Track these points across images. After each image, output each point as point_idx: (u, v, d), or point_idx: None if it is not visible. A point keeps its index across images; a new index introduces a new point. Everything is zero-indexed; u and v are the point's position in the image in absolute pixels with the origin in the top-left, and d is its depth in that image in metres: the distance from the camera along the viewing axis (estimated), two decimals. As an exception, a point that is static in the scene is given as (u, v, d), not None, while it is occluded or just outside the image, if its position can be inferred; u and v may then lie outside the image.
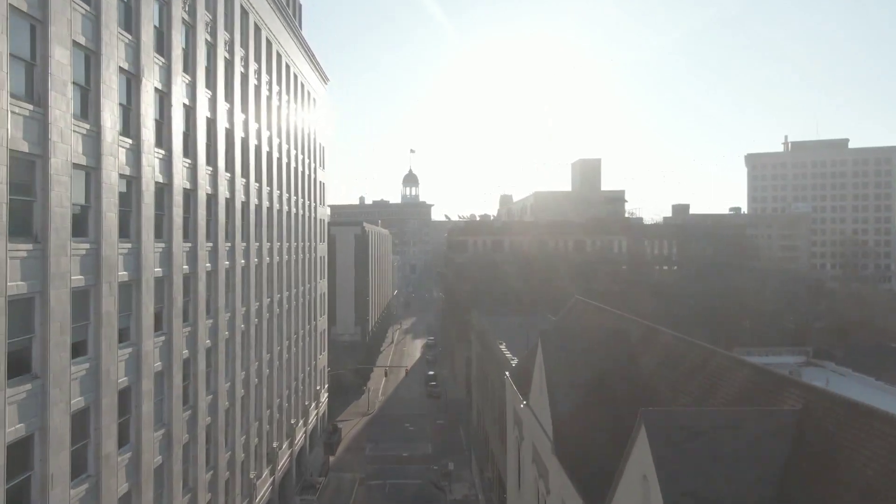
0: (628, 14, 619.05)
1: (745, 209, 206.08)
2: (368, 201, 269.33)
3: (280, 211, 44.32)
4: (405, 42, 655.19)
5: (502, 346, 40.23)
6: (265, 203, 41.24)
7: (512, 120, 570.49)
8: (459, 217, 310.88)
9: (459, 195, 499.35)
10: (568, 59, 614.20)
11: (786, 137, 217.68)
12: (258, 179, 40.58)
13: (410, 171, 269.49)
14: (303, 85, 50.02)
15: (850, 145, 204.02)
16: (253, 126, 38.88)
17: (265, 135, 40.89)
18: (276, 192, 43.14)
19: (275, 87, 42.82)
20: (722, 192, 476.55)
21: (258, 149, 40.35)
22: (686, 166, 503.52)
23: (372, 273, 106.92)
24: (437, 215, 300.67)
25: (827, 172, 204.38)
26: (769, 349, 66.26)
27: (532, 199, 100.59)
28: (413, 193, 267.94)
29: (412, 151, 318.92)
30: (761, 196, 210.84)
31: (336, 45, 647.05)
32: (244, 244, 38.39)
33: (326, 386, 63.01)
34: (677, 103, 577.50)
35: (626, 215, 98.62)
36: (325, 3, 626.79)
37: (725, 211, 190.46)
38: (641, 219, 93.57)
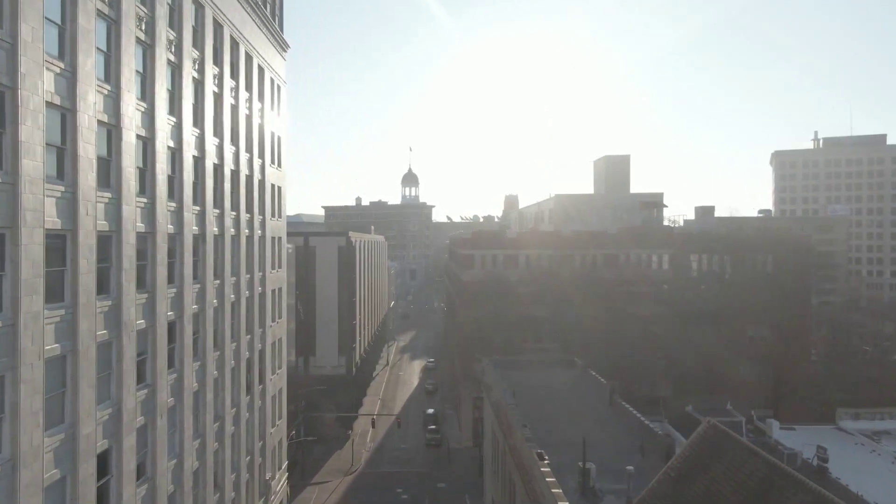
0: (631, 12, 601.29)
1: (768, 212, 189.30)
2: (366, 202, 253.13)
3: (199, 236, 28.20)
4: (407, 42, 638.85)
5: (545, 470, 23.80)
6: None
7: (515, 119, 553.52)
8: (462, 218, 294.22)
9: (461, 196, 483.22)
10: (571, 58, 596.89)
11: (816, 133, 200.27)
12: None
13: (410, 170, 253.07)
14: (235, 41, 33.72)
15: (888, 141, 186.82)
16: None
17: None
18: (185, 210, 26.96)
19: (187, 49, 26.64)
20: (726, 191, 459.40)
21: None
22: (689, 166, 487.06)
23: (361, 289, 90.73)
24: (438, 216, 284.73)
25: (863, 171, 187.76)
26: (881, 411, 49.95)
27: (552, 204, 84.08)
28: (413, 194, 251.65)
29: (410, 149, 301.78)
30: (790, 197, 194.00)
31: (336, 44, 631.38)
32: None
33: (285, 464, 46.64)
34: (678, 103, 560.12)
35: (666, 223, 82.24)
36: (323, 3, 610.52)
37: (751, 213, 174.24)
38: (686, 228, 76.53)
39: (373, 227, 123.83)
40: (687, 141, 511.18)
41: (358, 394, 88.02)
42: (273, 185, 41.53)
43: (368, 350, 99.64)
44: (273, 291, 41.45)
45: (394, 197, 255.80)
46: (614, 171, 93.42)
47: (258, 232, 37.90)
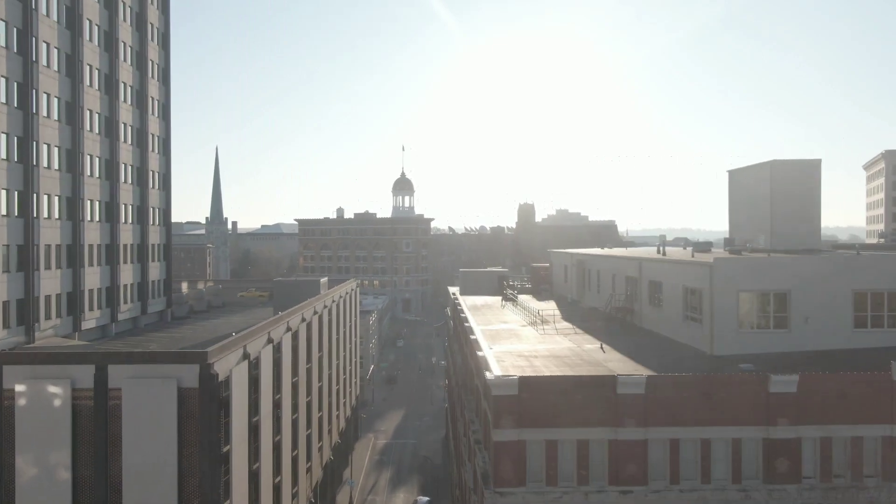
0: (636, 10, 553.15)
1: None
2: (349, 214, 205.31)
3: None
4: (408, 43, 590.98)
5: None
6: None
7: (519, 122, 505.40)
8: (467, 229, 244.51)
9: (465, 206, 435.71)
10: (575, 57, 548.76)
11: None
12: None
13: (403, 174, 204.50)
14: None
15: None
16: None
17: None
18: None
19: None
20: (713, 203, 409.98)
21: None
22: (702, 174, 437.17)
23: (266, 454, 42.70)
24: (439, 225, 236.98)
25: None
26: None
27: (707, 277, 35.37)
28: (407, 204, 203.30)
29: (403, 149, 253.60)
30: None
31: (334, 45, 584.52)
32: None
33: None
34: (681, 104, 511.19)
35: None
36: (322, 3, 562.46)
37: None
38: None
39: (326, 280, 75.12)
40: (695, 143, 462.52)
41: None
42: None
43: (322, 482, 51.51)
44: None
45: (385, 211, 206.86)
46: (791, 190, 45.47)
47: None
